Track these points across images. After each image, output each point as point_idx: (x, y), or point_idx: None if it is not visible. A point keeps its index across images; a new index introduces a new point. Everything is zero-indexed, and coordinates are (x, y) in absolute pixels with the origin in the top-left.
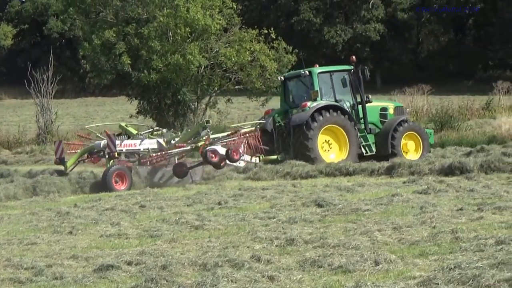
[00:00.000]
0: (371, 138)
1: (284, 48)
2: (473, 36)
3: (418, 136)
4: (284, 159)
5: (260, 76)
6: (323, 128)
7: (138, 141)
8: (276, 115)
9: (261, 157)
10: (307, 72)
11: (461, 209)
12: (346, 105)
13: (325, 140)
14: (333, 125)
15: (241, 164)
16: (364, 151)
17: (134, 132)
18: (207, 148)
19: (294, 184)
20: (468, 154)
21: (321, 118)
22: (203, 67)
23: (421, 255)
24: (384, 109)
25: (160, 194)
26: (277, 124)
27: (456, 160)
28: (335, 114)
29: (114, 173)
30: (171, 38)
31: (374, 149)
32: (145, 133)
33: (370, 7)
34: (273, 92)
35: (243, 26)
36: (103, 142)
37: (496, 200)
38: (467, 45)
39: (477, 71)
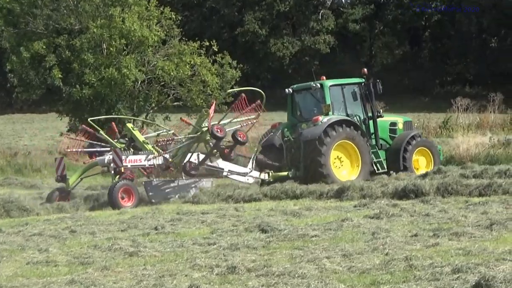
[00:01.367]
0: (382, 154)
1: (229, 63)
2: (430, 49)
3: (430, 152)
4: (295, 175)
5: (201, 92)
6: (336, 144)
7: (143, 157)
8: (286, 129)
9: (270, 174)
10: (318, 85)
11: (415, 235)
12: (357, 120)
13: (337, 156)
14: (346, 141)
15: (250, 180)
16: (375, 168)
17: (141, 138)
18: (212, 124)
19: (236, 208)
20: (424, 176)
21: (334, 133)
22: (139, 82)
23: (373, 284)
24: (393, 124)
25: (92, 218)
26: (286, 138)
27: (410, 183)
28: (348, 129)
29: (121, 189)
30: (105, 51)
31: (385, 166)
32: (150, 136)
33: (320, 17)
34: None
35: (183, 38)
36: (107, 158)
37: (453, 225)
38: (423, 59)
39: (434, 87)
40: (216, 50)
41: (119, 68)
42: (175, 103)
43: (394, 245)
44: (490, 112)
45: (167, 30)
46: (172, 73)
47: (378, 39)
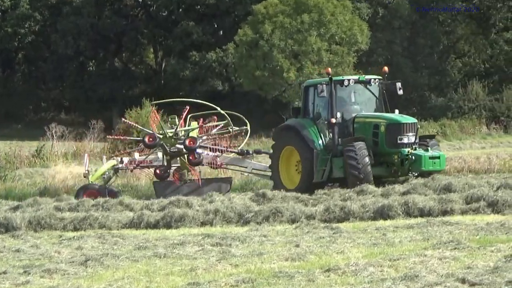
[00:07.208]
0: (338, 162)
1: None
2: (23, 73)
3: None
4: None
5: None
6: (283, 150)
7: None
8: None
9: None
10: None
11: (5, 272)
12: (324, 123)
13: (299, 160)
14: (290, 147)
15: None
16: (320, 177)
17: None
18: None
19: None
20: (16, 208)
21: (273, 140)
22: None
23: None
24: (376, 126)
25: None
26: None
27: (1, 216)
28: (284, 135)
29: (85, 194)
30: None
31: (327, 176)
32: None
33: None
34: None
35: None
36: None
37: (46, 261)
38: (16, 83)
39: (28, 113)
40: None
41: None
42: None
43: None
44: (90, 140)
45: None
46: None
47: None
